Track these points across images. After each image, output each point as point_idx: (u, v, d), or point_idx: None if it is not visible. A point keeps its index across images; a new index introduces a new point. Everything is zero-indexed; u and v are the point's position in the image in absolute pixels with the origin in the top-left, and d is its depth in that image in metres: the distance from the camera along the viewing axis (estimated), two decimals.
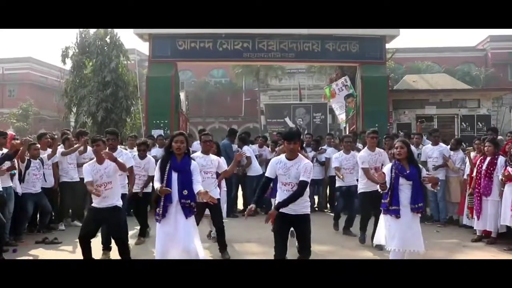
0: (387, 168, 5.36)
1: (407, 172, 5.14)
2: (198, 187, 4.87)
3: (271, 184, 5.20)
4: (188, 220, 4.92)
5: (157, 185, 4.91)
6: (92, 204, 5.62)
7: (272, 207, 5.28)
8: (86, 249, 5.51)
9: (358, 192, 7.09)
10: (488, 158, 7.26)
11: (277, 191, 4.97)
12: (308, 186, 4.80)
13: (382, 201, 5.27)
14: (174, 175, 4.90)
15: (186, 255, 4.82)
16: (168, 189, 4.80)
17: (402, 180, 5.14)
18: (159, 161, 5.11)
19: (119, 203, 5.64)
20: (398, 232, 5.10)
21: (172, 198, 4.85)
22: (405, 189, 5.14)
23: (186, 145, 5.02)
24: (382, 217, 5.40)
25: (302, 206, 4.81)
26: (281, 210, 4.69)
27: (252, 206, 4.83)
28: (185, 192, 4.85)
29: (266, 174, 4.90)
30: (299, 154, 4.86)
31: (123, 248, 5.72)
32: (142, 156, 7.45)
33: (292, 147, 4.71)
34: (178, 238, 4.85)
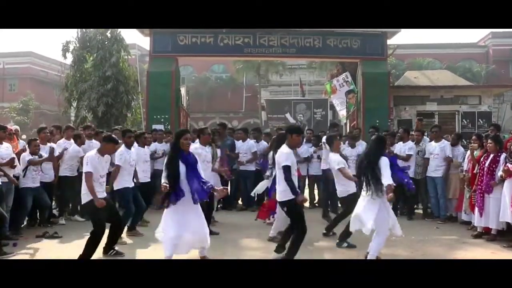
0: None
1: None
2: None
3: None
4: (198, 207, 5.38)
5: (164, 180, 5.23)
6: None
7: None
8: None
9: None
10: (491, 155, 7.23)
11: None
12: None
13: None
14: (183, 168, 5.28)
15: (198, 238, 5.34)
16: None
17: None
18: (169, 158, 5.43)
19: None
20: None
21: (184, 190, 5.24)
22: None
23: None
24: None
25: None
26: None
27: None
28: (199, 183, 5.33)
29: (290, 164, 5.44)
30: None
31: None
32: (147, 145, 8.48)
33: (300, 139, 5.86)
34: (190, 224, 5.27)
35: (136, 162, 7.37)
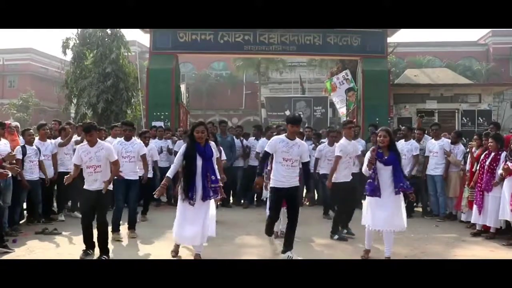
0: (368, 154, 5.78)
1: (385, 158, 5.60)
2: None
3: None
4: (209, 202, 5.51)
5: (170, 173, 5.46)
6: (84, 187, 5.78)
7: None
8: (88, 234, 5.76)
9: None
10: (492, 154, 7.23)
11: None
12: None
13: (366, 185, 5.71)
14: (199, 162, 5.38)
15: (199, 234, 5.38)
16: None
17: (380, 165, 5.60)
18: (184, 148, 5.48)
19: (110, 187, 5.87)
20: (378, 212, 5.60)
21: (197, 183, 5.36)
22: (383, 173, 5.60)
23: (207, 133, 5.55)
24: (366, 199, 5.86)
25: (295, 180, 5.72)
26: (277, 185, 5.65)
27: (260, 178, 5.84)
28: (213, 177, 5.45)
29: (267, 150, 5.70)
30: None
31: (105, 233, 5.83)
32: (146, 144, 8.12)
33: (295, 130, 5.69)
34: (196, 220, 5.38)
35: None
